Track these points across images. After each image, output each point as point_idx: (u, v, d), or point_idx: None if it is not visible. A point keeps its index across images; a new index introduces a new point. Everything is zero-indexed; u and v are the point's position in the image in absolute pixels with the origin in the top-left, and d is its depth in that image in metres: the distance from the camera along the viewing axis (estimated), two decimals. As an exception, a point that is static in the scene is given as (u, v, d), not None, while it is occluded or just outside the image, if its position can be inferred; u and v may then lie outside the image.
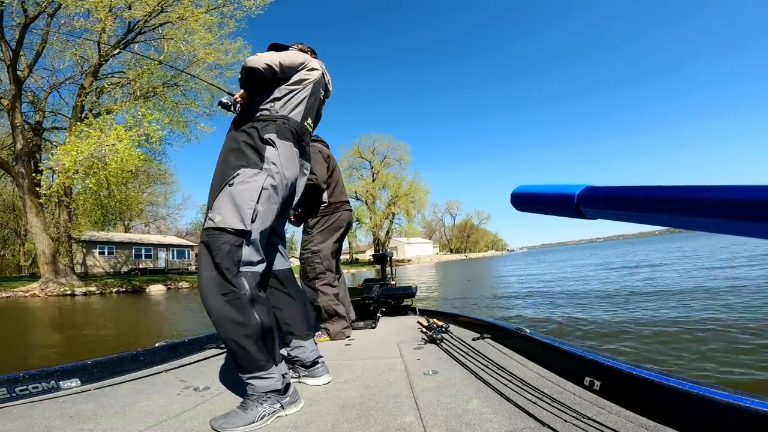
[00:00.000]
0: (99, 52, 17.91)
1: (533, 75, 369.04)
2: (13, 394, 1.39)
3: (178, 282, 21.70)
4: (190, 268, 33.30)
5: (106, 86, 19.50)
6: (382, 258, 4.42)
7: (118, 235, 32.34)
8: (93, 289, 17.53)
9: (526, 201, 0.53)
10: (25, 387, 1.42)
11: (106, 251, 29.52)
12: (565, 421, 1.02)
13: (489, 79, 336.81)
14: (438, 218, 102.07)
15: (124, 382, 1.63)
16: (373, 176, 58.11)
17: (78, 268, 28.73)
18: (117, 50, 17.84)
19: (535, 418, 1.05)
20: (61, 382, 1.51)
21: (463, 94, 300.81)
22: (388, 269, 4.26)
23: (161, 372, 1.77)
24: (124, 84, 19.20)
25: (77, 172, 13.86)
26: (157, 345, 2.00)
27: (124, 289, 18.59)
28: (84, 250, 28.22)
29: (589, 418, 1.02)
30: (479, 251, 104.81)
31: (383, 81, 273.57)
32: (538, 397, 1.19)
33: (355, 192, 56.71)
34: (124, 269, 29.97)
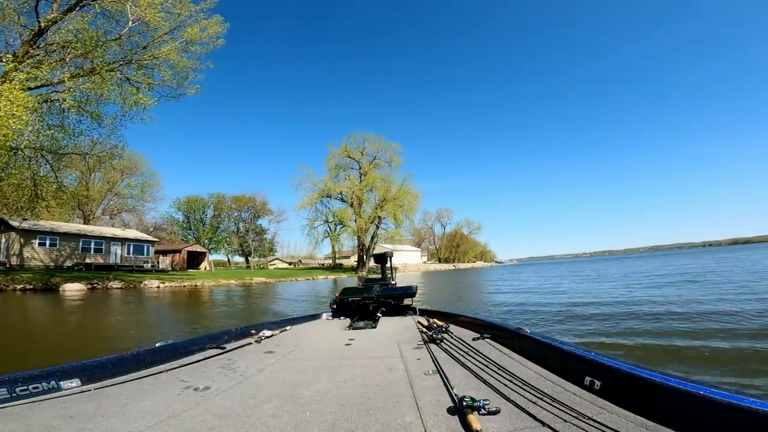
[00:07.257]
0: (37, 18, 16.32)
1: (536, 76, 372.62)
2: (14, 395, 1.39)
3: (108, 281, 18.60)
4: (145, 265, 29.97)
5: (42, 55, 17.08)
6: (382, 258, 4.40)
7: (65, 226, 29.02)
8: (-10, 285, 14.47)
9: None
10: (25, 387, 1.42)
11: (47, 242, 26.25)
12: (565, 421, 1.03)
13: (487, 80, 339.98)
14: (428, 226, 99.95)
15: (124, 382, 1.64)
16: (360, 177, 55.23)
17: (14, 260, 25.62)
18: (53, 14, 16.41)
19: (535, 418, 1.06)
20: (61, 383, 1.52)
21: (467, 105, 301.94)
22: (388, 269, 4.18)
23: (162, 372, 1.78)
24: (66, 57, 16.92)
25: None
26: (157, 345, 1.98)
27: (32, 287, 15.49)
28: (21, 240, 25.01)
29: (589, 418, 1.03)
30: (468, 262, 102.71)
31: (383, 88, 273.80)
32: (538, 397, 1.20)
33: (341, 193, 53.87)
34: (68, 263, 26.70)
